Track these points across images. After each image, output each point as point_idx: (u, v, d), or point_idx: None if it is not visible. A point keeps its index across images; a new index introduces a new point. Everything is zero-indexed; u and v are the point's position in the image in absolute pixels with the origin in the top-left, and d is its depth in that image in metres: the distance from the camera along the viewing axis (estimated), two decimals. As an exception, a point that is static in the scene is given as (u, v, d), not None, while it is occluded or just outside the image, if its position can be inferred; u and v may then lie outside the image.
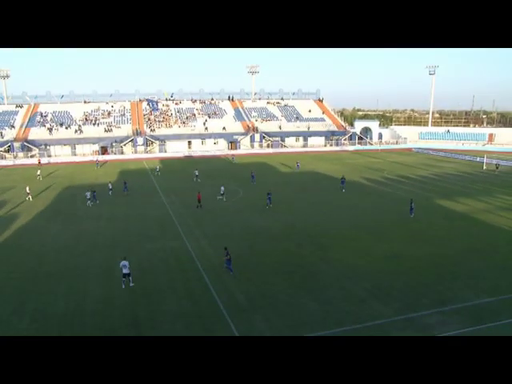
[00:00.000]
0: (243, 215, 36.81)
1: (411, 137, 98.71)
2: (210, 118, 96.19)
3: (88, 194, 41.56)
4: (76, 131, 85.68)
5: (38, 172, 58.95)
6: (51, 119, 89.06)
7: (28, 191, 44.73)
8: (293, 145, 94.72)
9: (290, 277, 23.34)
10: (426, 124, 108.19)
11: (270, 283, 22.53)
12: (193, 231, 32.34)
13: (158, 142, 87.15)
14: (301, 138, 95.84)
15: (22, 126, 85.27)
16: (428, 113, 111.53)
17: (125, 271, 22.14)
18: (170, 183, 53.46)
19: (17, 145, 79.42)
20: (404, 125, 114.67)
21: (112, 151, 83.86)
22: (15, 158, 78.07)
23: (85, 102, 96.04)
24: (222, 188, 42.49)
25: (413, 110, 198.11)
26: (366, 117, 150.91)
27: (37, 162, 73.69)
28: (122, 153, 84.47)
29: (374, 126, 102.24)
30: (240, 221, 34.87)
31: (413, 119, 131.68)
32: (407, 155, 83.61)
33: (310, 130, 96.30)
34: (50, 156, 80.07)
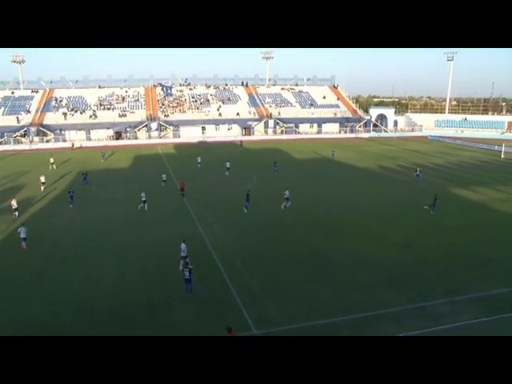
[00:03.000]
0: (256, 201, 36.83)
1: (427, 124, 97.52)
2: (223, 103, 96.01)
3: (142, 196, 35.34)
4: (90, 116, 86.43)
5: (51, 160, 55.98)
6: (66, 104, 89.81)
7: (43, 180, 42.43)
8: (307, 131, 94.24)
9: (303, 264, 23.43)
10: (442, 111, 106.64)
11: (283, 270, 22.66)
12: (206, 217, 32.55)
13: (171, 128, 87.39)
14: (315, 125, 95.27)
15: (37, 111, 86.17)
16: (445, 100, 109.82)
17: (183, 254, 22.57)
18: (182, 169, 53.64)
19: (33, 129, 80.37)
20: (420, 112, 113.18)
21: (126, 136, 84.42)
22: (31, 142, 78.98)
23: (99, 87, 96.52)
24: (287, 192, 35.17)
25: (429, 97, 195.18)
26: (381, 104, 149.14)
27: (70, 146, 75.39)
28: (136, 138, 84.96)
29: (389, 113, 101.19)
30: (253, 207, 34.93)
31: (429, 106, 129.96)
32: (423, 143, 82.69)
33: (325, 116, 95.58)
34: (65, 141, 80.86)
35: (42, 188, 42.20)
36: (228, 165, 49.88)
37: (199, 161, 55.03)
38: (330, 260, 24.00)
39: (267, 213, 33.40)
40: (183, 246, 22.74)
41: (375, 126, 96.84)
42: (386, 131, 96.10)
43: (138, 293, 20.26)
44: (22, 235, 25.76)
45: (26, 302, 19.50)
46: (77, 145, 77.18)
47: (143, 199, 34.56)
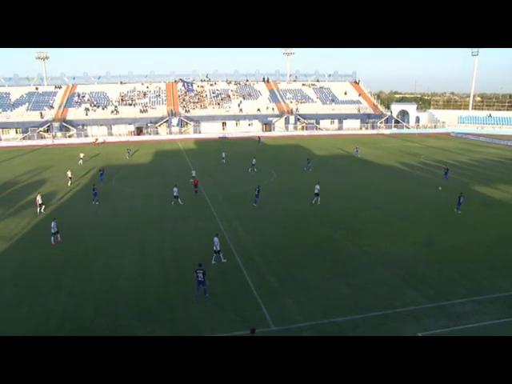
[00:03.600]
0: (276, 197, 36.87)
1: (450, 121, 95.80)
2: (244, 99, 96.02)
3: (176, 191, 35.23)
4: (112, 112, 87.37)
5: (81, 155, 56.17)
6: (88, 100, 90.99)
7: (70, 175, 43.01)
8: (327, 127, 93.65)
9: (322, 260, 23.38)
10: (466, 108, 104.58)
11: (302, 266, 22.64)
12: (226, 212, 32.71)
13: (192, 123, 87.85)
14: (336, 121, 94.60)
15: (60, 107, 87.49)
16: (468, 96, 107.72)
17: (215, 248, 22.84)
18: (204, 164, 53.90)
19: (55, 125, 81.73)
20: (443, 108, 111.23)
21: (147, 132, 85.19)
22: (54, 137, 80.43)
23: (121, 82, 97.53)
24: (317, 187, 34.81)
25: (452, 93, 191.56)
26: (403, 100, 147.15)
27: (93, 141, 75.99)
28: (157, 133, 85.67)
29: (411, 109, 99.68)
30: (273, 203, 34.96)
31: (452, 103, 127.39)
32: (445, 140, 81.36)
33: (346, 112, 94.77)
34: (86, 136, 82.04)
35: (69, 183, 42.73)
36: (254, 161, 49.82)
37: (224, 156, 55.33)
38: (351, 257, 23.88)
39: (288, 209, 33.35)
40: (216, 239, 22.98)
41: (397, 122, 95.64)
42: (407, 128, 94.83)
43: (157, 287, 20.50)
44: (54, 230, 26.07)
45: (49, 294, 19.93)
46: (100, 140, 78.16)
47: (175, 194, 34.86)
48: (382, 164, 53.85)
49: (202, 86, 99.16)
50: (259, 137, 78.43)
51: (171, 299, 19.32)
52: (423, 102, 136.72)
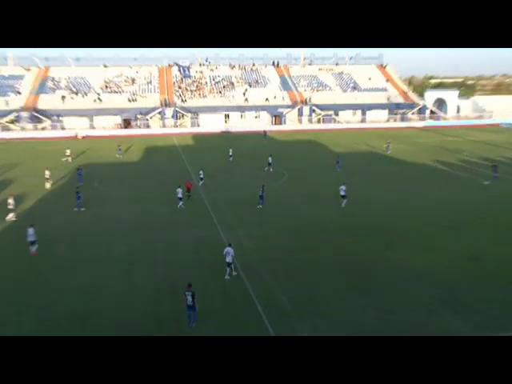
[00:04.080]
0: (288, 202, 36.54)
1: (500, 109, 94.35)
2: (250, 87, 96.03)
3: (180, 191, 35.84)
4: (94, 100, 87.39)
5: (68, 152, 56.27)
6: (65, 86, 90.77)
7: (48, 175, 42.29)
8: (348, 120, 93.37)
9: (344, 276, 22.96)
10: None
11: (319, 283, 22.25)
12: (228, 219, 32.40)
13: (189, 115, 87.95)
14: (358, 112, 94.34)
15: (30, 93, 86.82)
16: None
17: (228, 260, 22.78)
18: (202, 163, 53.70)
19: (24, 114, 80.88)
20: (491, 94, 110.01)
21: (136, 125, 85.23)
22: (22, 129, 79.43)
23: (105, 66, 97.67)
24: (343, 188, 35.48)
25: (505, 75, 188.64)
26: (440, 85, 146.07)
27: (74, 135, 76.24)
28: (148, 127, 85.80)
29: (450, 96, 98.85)
30: (284, 209, 34.65)
31: (504, 87, 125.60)
32: (493, 132, 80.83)
33: (370, 102, 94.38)
34: (63, 129, 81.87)
35: (48, 184, 42.18)
36: (270, 160, 49.92)
37: (231, 153, 56.19)
38: (377, 272, 23.43)
39: (302, 215, 33.02)
40: (230, 250, 22.86)
41: (432, 112, 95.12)
42: (445, 119, 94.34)
43: (145, 308, 20.11)
44: (32, 238, 25.71)
45: (9, 320, 19.45)
46: (80, 134, 78.08)
47: (179, 196, 35.23)
48: (414, 163, 53.41)
49: (201, 72, 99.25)
50: (265, 131, 78.16)
51: (162, 323, 18.92)
52: (466, 88, 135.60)
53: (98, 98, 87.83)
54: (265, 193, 35.33)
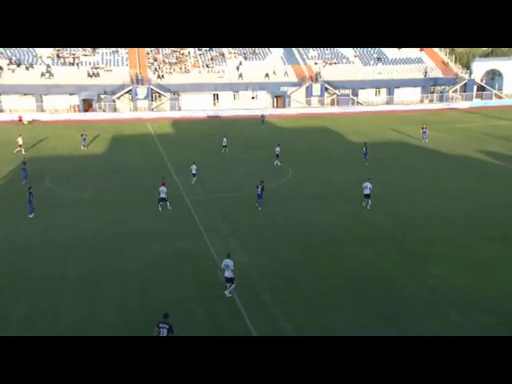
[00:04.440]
0: (293, 205, 36.69)
1: None
2: (246, 59, 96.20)
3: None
4: (43, 74, 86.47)
5: (20, 141, 56.24)
6: (1, 54, 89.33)
7: None
8: (371, 101, 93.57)
9: (363, 299, 23.12)
10: None
11: (332, 307, 22.40)
12: (218, 227, 32.60)
13: (168, 95, 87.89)
14: (383, 91, 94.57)
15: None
16: None
17: (227, 275, 23.14)
18: (184, 156, 53.83)
19: None
20: None
21: (99, 107, 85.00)
22: None
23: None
24: (368, 185, 35.98)
25: None
26: (493, 54, 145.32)
27: (17, 119, 75.07)
28: (115, 110, 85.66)
29: (507, 67, 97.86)
30: (288, 213, 34.88)
31: None
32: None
33: (399, 77, 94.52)
34: (1, 111, 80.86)
35: None
36: (278, 150, 50.75)
37: (225, 143, 57.13)
38: (407, 295, 23.59)
39: (310, 221, 33.16)
40: (229, 262, 23.25)
41: (481, 89, 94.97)
42: (499, 97, 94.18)
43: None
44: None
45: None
46: (26, 119, 77.20)
47: (162, 196, 35.61)
48: (456, 155, 53.67)
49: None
50: (263, 115, 78.40)
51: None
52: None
53: (48, 72, 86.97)
54: (264, 191, 35.73)
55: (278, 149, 50.76)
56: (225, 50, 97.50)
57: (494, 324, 21.03)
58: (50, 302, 23.15)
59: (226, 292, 23.32)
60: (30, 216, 34.58)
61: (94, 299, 23.48)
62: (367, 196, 35.48)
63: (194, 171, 43.66)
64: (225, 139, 57.43)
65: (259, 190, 35.66)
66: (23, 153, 54.67)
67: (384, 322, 21.27)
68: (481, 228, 31.99)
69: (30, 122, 77.27)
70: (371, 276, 25.40)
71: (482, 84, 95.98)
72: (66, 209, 36.55)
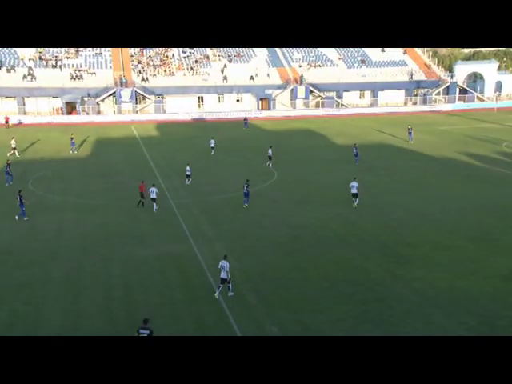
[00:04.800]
0: (279, 207, 36.74)
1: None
2: (230, 62, 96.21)
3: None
4: (25, 77, 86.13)
5: (13, 143, 55.80)
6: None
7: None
8: (355, 103, 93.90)
9: (348, 302, 23.17)
10: None
11: (318, 310, 22.39)
12: (204, 231, 32.55)
13: (152, 98, 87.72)
14: (367, 94, 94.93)
15: None
16: None
17: (223, 275, 23.21)
18: (171, 160, 53.76)
19: None
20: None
21: (82, 110, 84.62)
22: None
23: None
24: (355, 184, 36.70)
25: None
26: (474, 57, 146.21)
27: (4, 122, 74.71)
28: (99, 112, 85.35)
29: (488, 70, 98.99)
30: (275, 216, 34.90)
31: None
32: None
33: (383, 80, 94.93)
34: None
35: None
36: (270, 152, 51.21)
37: (212, 145, 57.54)
38: (392, 297, 23.65)
39: (297, 224, 33.22)
40: (225, 264, 23.33)
41: (464, 92, 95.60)
42: (481, 99, 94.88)
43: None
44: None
45: None
46: (11, 121, 77.03)
47: (153, 196, 36.01)
48: (439, 157, 54.06)
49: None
50: (246, 118, 78.75)
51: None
52: (509, 59, 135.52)
53: (30, 74, 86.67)
54: (250, 188, 36.34)
55: (270, 151, 51.14)
56: (209, 52, 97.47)
57: (478, 325, 21.11)
58: (32, 308, 22.97)
59: (229, 293, 23.50)
60: (26, 218, 34.53)
61: (78, 304, 23.33)
62: (354, 195, 36.11)
63: (188, 172, 44.06)
64: (213, 141, 57.78)
65: (245, 188, 36.22)
66: (17, 156, 54.70)
67: (370, 324, 21.30)
68: (464, 229, 32.19)
69: (14, 125, 76.80)
70: (357, 278, 25.46)
71: (465, 87, 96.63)
72: (50, 212, 36.37)
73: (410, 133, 61.91)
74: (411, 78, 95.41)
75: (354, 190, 36.10)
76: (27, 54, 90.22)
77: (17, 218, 34.50)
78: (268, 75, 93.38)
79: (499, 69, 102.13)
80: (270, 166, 50.23)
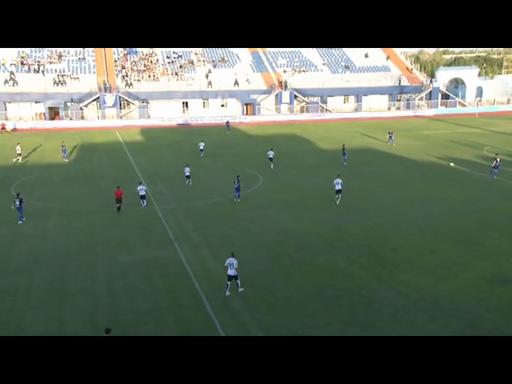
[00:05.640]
0: (265, 212, 36.76)
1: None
2: (215, 67, 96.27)
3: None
4: (6, 81, 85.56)
5: (18, 149, 55.80)
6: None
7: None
8: (339, 108, 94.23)
9: (334, 306, 23.18)
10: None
11: (304, 315, 22.38)
12: (189, 236, 32.46)
13: (137, 103, 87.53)
14: (351, 98, 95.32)
15: None
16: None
17: (230, 272, 23.57)
18: (156, 165, 53.61)
19: None
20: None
21: (66, 115, 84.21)
22: None
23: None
24: (339, 181, 38.31)
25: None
26: (456, 62, 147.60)
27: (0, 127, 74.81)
28: (83, 118, 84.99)
29: (469, 76, 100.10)
30: (260, 220, 34.90)
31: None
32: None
33: (367, 85, 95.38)
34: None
35: None
36: (271, 154, 52.14)
37: (202, 147, 58.40)
38: (377, 301, 23.69)
39: (282, 229, 33.22)
40: (233, 261, 23.95)
41: (445, 97, 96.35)
42: (463, 105, 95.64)
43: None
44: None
45: None
46: (8, 127, 76.91)
47: (142, 193, 37.67)
48: (422, 161, 54.37)
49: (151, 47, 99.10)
50: (228, 122, 79.19)
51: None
52: (489, 65, 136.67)
53: (12, 79, 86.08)
54: (241, 183, 38.37)
55: (270, 153, 51.99)
56: (194, 57, 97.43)
57: (461, 328, 21.20)
58: (14, 316, 22.75)
59: (239, 289, 24.29)
60: (19, 222, 34.88)
61: (62, 312, 23.15)
62: (338, 191, 37.19)
63: (187, 173, 44.77)
64: (202, 143, 58.54)
65: (236, 183, 37.79)
66: (20, 161, 54.96)
67: (356, 328, 21.31)
68: (448, 233, 32.36)
69: (13, 130, 77.01)
70: (343, 283, 25.50)
71: (447, 92, 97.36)
72: (32, 219, 36.03)
73: (390, 136, 63.26)
74: (399, 83, 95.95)
75: (339, 187, 37.15)
76: (9, 58, 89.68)
77: (20, 222, 34.80)
78: (248, 81, 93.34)
79: (480, 75, 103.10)
80: (272, 167, 51.09)
